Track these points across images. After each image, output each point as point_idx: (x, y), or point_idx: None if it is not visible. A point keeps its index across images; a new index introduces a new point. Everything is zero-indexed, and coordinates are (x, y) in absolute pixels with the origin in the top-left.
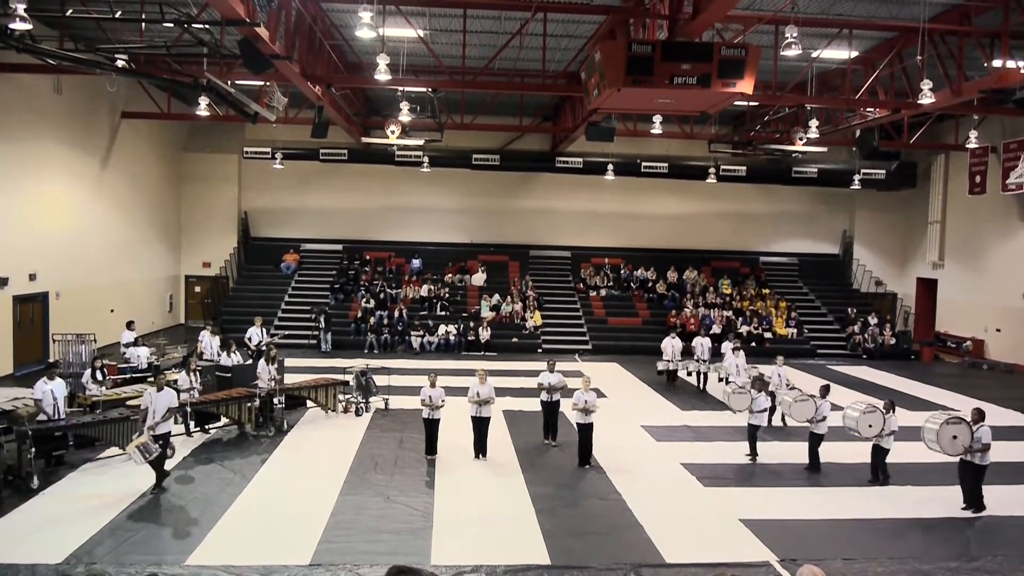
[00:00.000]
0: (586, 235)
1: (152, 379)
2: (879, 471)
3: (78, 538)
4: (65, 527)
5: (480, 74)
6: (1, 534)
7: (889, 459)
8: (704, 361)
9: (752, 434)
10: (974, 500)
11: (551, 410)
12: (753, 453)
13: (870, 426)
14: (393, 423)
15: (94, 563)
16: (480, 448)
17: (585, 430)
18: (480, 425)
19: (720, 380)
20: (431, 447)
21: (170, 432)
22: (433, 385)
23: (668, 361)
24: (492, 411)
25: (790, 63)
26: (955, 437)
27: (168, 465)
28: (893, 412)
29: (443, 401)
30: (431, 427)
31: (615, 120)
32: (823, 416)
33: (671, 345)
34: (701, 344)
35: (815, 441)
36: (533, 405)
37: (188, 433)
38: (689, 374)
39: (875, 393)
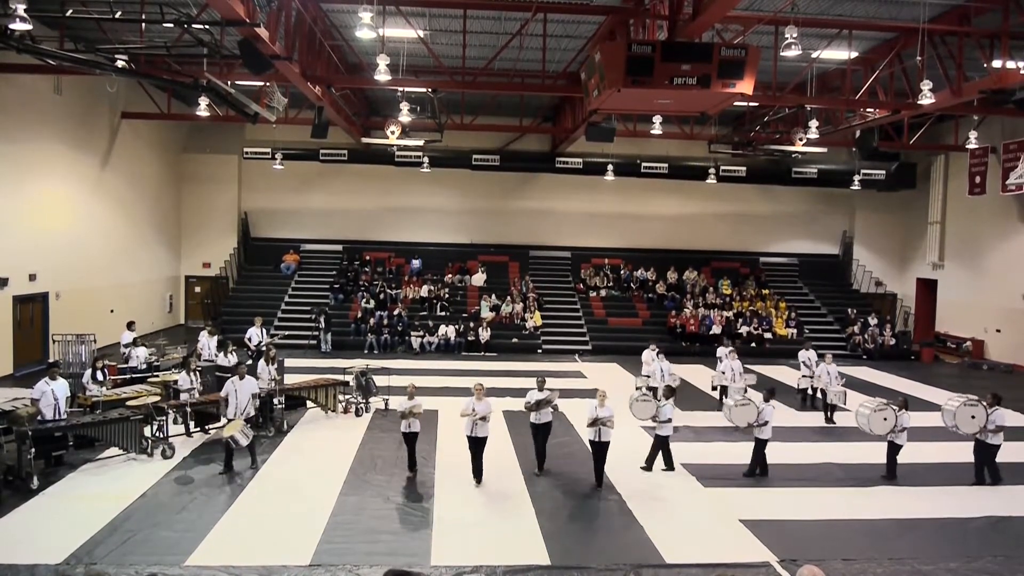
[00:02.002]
0: (586, 235)
1: (156, 377)
2: (891, 468)
3: (78, 538)
4: (65, 527)
5: (480, 74)
6: (1, 534)
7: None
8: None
9: (660, 446)
10: (991, 475)
11: (540, 433)
12: (651, 465)
13: (885, 419)
14: (393, 424)
15: (94, 563)
16: (477, 472)
17: (599, 449)
18: (477, 446)
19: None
20: (412, 463)
21: (253, 416)
22: (411, 397)
23: (647, 377)
24: (490, 430)
25: (790, 64)
26: (973, 417)
27: (168, 466)
28: (906, 409)
29: (421, 412)
30: (410, 441)
31: (615, 121)
32: (765, 420)
33: (651, 358)
34: (725, 355)
35: (760, 445)
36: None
37: (188, 433)
38: (714, 388)
39: (875, 393)
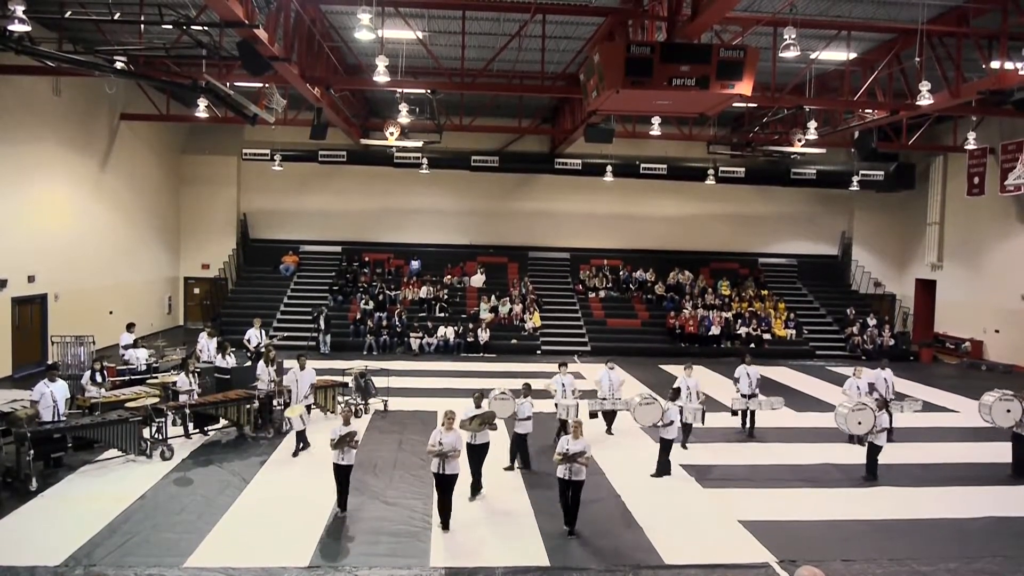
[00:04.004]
0: (585, 236)
1: (157, 379)
2: (872, 469)
3: (77, 540)
4: (64, 529)
5: (479, 76)
6: (0, 536)
7: (890, 460)
8: (750, 396)
9: (517, 444)
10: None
11: (476, 455)
12: (511, 465)
13: (859, 423)
14: (392, 425)
15: (93, 565)
16: (445, 518)
17: (572, 488)
18: (445, 485)
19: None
20: (343, 500)
21: (312, 404)
22: (347, 422)
23: (603, 400)
24: (460, 467)
25: (789, 64)
26: (1008, 411)
27: (167, 467)
28: (885, 410)
29: (357, 442)
30: (343, 475)
31: (614, 121)
32: (671, 420)
33: (608, 377)
34: (747, 374)
35: (665, 445)
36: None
37: (187, 435)
38: (734, 413)
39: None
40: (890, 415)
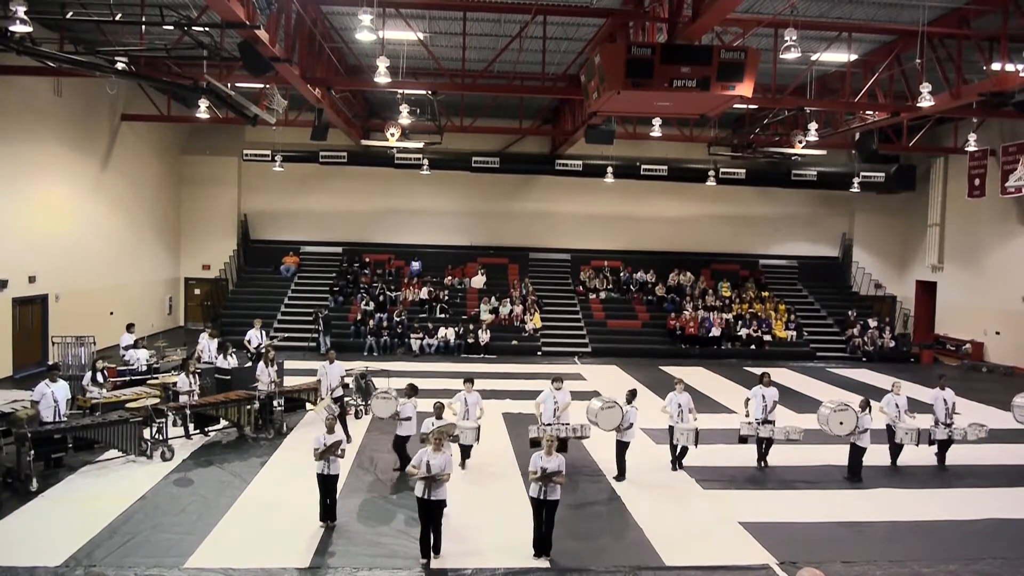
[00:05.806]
0: (585, 238)
1: (156, 380)
2: (855, 470)
3: (77, 541)
4: (64, 530)
5: (480, 77)
6: (0, 536)
7: (890, 462)
8: (764, 423)
9: (396, 445)
10: None
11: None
12: (401, 465)
13: (841, 423)
14: (392, 425)
15: (93, 566)
16: (428, 546)
17: (543, 509)
18: (430, 512)
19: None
20: (331, 511)
21: (342, 396)
22: (331, 430)
23: (546, 426)
24: (447, 492)
25: (789, 66)
26: None
27: (167, 468)
28: (868, 411)
29: (343, 451)
30: (327, 485)
31: (614, 123)
32: (630, 423)
33: (552, 399)
34: (763, 396)
35: (621, 448)
36: (532, 407)
37: (187, 435)
38: (743, 440)
39: (873, 395)
40: (950, 433)
